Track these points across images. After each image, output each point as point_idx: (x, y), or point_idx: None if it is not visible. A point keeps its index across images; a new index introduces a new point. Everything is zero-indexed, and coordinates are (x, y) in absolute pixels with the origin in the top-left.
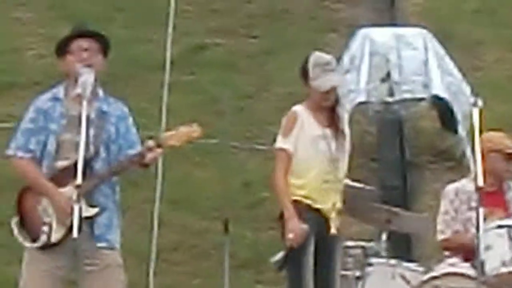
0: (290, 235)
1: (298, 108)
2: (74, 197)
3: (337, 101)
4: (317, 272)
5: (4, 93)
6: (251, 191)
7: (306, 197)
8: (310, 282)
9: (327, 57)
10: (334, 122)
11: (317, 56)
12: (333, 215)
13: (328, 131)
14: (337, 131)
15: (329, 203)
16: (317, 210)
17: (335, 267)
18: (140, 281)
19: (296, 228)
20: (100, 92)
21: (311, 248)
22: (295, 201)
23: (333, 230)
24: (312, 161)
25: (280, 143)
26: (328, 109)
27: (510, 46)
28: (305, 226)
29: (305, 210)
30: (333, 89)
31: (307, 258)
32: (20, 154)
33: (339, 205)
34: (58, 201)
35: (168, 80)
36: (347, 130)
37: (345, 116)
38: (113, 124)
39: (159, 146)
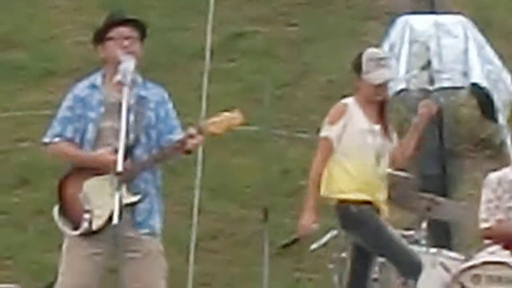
0: (300, 228)
1: (348, 101)
2: (115, 183)
3: (387, 99)
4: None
5: (43, 81)
6: (290, 179)
7: (353, 191)
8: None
9: (382, 52)
10: (383, 119)
11: (372, 50)
12: (382, 207)
13: (376, 127)
14: (385, 128)
15: (378, 196)
16: (368, 202)
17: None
18: (179, 268)
19: (306, 223)
20: (139, 79)
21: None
22: (346, 199)
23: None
24: (357, 153)
25: (324, 131)
26: (377, 106)
27: None
28: (315, 226)
29: (359, 202)
30: (385, 84)
31: (390, 228)
32: (57, 141)
33: (385, 201)
34: (104, 156)
35: (208, 68)
36: (392, 128)
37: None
38: (152, 109)
39: (200, 132)
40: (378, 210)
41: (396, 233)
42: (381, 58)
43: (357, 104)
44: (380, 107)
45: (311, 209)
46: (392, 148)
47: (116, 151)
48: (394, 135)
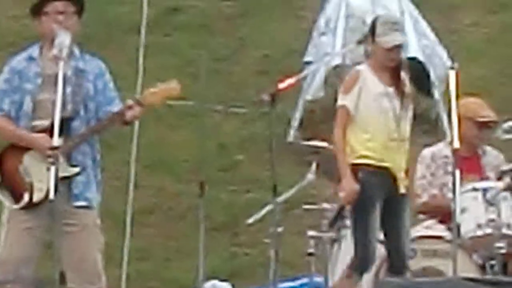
0: (341, 194)
1: (361, 67)
2: (53, 157)
3: (401, 63)
4: (387, 232)
5: None
6: (226, 153)
7: (371, 156)
8: (374, 243)
9: (397, 17)
10: (398, 83)
11: (387, 14)
12: (401, 174)
13: (391, 90)
14: (401, 92)
15: (396, 161)
16: (385, 168)
17: (405, 226)
18: (115, 243)
19: (348, 186)
20: (76, 51)
21: (377, 209)
22: (359, 163)
23: (402, 190)
24: (375, 118)
25: (340, 100)
26: (392, 70)
27: (486, 9)
28: (357, 186)
29: (371, 172)
30: (397, 49)
31: (374, 218)
32: None
33: (405, 164)
34: (39, 141)
35: (144, 42)
36: (409, 91)
37: (407, 78)
38: (90, 81)
39: (139, 104)
40: (395, 179)
41: (375, 223)
42: (395, 22)
43: (371, 69)
44: (395, 70)
45: (348, 175)
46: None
47: (51, 126)
48: (411, 100)
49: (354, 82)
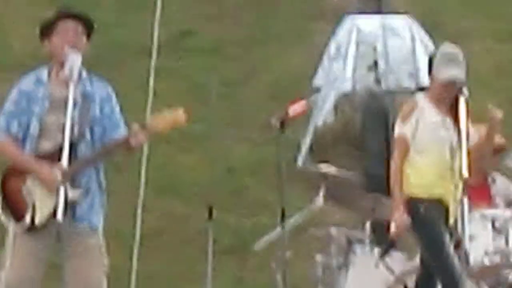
0: (392, 226)
1: (418, 96)
2: (59, 180)
3: (460, 93)
4: None
5: None
6: (235, 177)
7: (425, 186)
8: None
9: (457, 50)
10: (455, 114)
11: (446, 46)
12: (453, 205)
13: (448, 120)
14: (456, 125)
15: (449, 191)
16: (438, 200)
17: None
18: (123, 265)
19: (400, 220)
20: (84, 74)
21: (446, 236)
22: (414, 197)
23: (451, 221)
24: (432, 147)
25: (398, 129)
26: (448, 100)
27: (497, 37)
28: (408, 220)
29: (429, 205)
30: (453, 83)
31: (447, 245)
32: (1, 136)
33: (458, 196)
34: (45, 176)
35: (154, 66)
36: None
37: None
38: (97, 104)
39: (144, 130)
40: (447, 210)
41: (449, 246)
42: (453, 55)
43: (427, 99)
44: (454, 100)
45: (401, 208)
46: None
47: (59, 148)
48: (471, 130)
49: (412, 110)
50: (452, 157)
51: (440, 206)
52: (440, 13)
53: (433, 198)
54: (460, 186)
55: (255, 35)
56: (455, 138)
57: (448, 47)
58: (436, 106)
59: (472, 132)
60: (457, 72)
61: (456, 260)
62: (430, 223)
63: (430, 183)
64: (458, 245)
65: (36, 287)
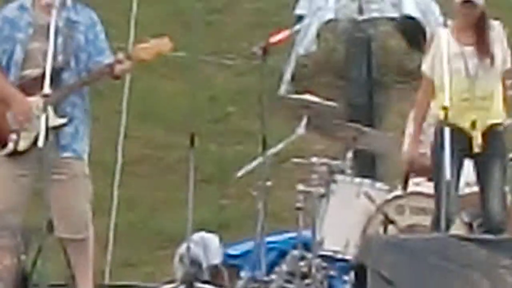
0: (404, 159)
1: (440, 28)
2: (41, 106)
3: (484, 21)
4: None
5: None
6: (217, 105)
7: (449, 116)
8: (453, 199)
9: None
10: (480, 41)
11: None
12: (474, 133)
13: (467, 49)
14: (482, 51)
15: (468, 121)
16: (459, 129)
17: (492, 186)
18: (104, 192)
19: (408, 154)
20: (68, 1)
21: (450, 165)
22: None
23: (476, 149)
24: (448, 78)
25: (422, 63)
26: (474, 28)
27: None
28: (417, 156)
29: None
30: (469, 4)
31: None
32: None
33: (480, 123)
34: (22, 108)
35: None
36: (496, 51)
37: (500, 34)
38: (82, 32)
39: (129, 58)
40: (470, 138)
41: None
42: None
43: (452, 29)
44: (478, 29)
45: (412, 143)
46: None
47: (43, 74)
48: (507, 56)
49: (429, 44)
50: (472, 84)
51: (460, 135)
52: None
53: (456, 127)
54: (488, 111)
55: None
56: (474, 66)
57: None
58: (458, 36)
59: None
60: None
61: (453, 192)
62: (438, 152)
63: (449, 115)
64: None
65: (20, 213)
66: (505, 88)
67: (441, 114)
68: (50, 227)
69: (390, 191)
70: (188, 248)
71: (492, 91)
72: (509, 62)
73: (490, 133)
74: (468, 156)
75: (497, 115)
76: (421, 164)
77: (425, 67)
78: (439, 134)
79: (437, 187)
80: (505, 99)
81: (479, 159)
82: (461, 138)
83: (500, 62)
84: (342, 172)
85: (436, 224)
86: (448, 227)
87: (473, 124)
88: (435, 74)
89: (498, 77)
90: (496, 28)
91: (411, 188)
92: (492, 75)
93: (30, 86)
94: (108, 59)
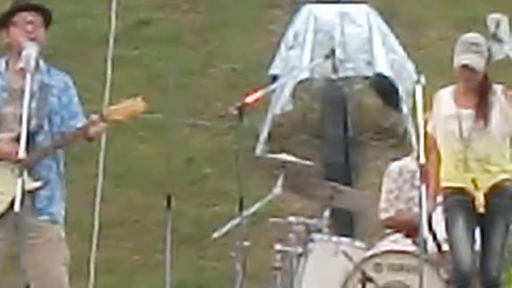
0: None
1: (443, 89)
2: (16, 171)
3: (487, 87)
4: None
5: None
6: (194, 166)
7: (445, 178)
8: (466, 257)
9: (477, 38)
10: (479, 105)
11: (469, 34)
12: (479, 194)
13: (464, 112)
14: (479, 114)
15: (468, 181)
16: (460, 188)
17: (492, 245)
18: (82, 255)
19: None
20: (42, 65)
21: (461, 225)
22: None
23: (480, 209)
24: (445, 139)
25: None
26: (475, 91)
27: (453, 24)
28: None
29: (449, 193)
30: (469, 69)
31: (459, 235)
32: None
33: (481, 184)
34: (5, 152)
35: (112, 55)
36: (500, 114)
37: (500, 97)
38: (55, 95)
39: (103, 120)
40: (473, 199)
41: (462, 239)
42: (473, 43)
43: (452, 90)
44: (479, 93)
45: (430, 198)
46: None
47: (17, 138)
48: (509, 117)
49: (432, 106)
50: (467, 146)
51: (462, 195)
52: (397, 1)
53: (456, 188)
54: (487, 172)
55: (212, 23)
56: (468, 129)
57: (466, 37)
58: (457, 98)
59: None
60: (469, 58)
61: (465, 247)
62: (448, 212)
63: (449, 175)
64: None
65: None
66: None
67: (423, 167)
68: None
69: (367, 249)
70: None
71: (489, 154)
72: None
73: (494, 192)
74: (477, 215)
75: (499, 174)
76: (399, 220)
77: (429, 127)
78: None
79: (452, 247)
80: None
81: (484, 221)
82: (464, 198)
83: (496, 126)
84: (320, 231)
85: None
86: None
87: (475, 184)
88: (437, 135)
89: (496, 140)
90: (498, 92)
91: (388, 246)
92: (489, 138)
93: (5, 149)
94: (81, 122)
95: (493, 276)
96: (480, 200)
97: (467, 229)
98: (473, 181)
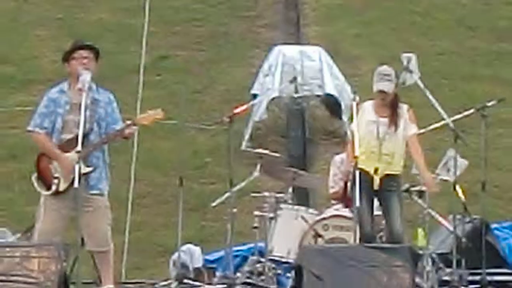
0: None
1: (366, 102)
2: (75, 159)
3: (395, 102)
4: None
5: (28, 86)
6: (198, 157)
7: (361, 162)
8: (368, 221)
9: (388, 69)
10: (392, 116)
11: (382, 67)
12: (375, 177)
13: (381, 119)
14: (392, 123)
15: (372, 168)
16: (366, 172)
17: (390, 211)
18: (121, 218)
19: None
20: (93, 86)
21: (366, 198)
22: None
23: (375, 187)
24: (363, 138)
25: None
26: (388, 106)
27: (378, 60)
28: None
29: (362, 173)
30: (383, 92)
31: (364, 204)
32: (37, 130)
33: (381, 170)
34: (63, 163)
35: (142, 80)
36: (404, 124)
37: (405, 113)
38: (102, 107)
39: (134, 124)
40: (372, 180)
41: (366, 208)
42: (385, 74)
43: (372, 103)
44: (392, 108)
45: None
46: (409, 135)
47: (76, 137)
48: (408, 127)
49: (357, 112)
50: (380, 144)
51: (366, 177)
52: (339, 44)
53: (365, 171)
54: (389, 163)
55: (212, 58)
56: (382, 133)
57: (380, 69)
58: (376, 109)
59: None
60: (383, 85)
61: (366, 215)
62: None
63: (362, 162)
64: None
65: (59, 235)
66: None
67: (353, 161)
68: (82, 243)
69: (318, 214)
70: (179, 255)
71: (394, 152)
72: (411, 131)
73: (389, 178)
74: (376, 191)
75: (396, 167)
76: (341, 194)
77: (353, 128)
78: (353, 174)
79: (358, 214)
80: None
81: (381, 195)
82: (367, 179)
83: (401, 132)
84: (285, 202)
85: (360, 238)
86: (370, 241)
87: (376, 171)
88: (359, 133)
89: (400, 142)
90: (404, 109)
91: (332, 212)
92: (396, 140)
93: (67, 146)
94: (119, 126)
95: (398, 235)
96: (376, 182)
97: (367, 201)
98: (376, 169)
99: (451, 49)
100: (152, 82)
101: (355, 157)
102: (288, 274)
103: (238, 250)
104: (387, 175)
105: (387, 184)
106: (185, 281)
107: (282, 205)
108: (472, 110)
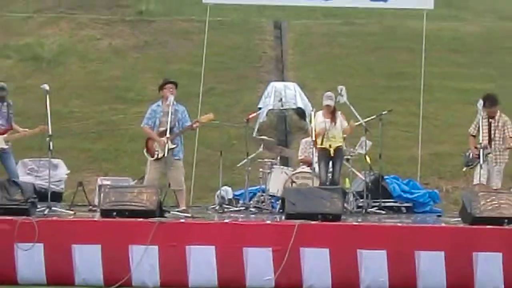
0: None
1: (319, 111)
2: (166, 141)
3: (334, 111)
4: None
5: (138, 104)
6: (230, 141)
7: (320, 144)
8: (325, 176)
9: (330, 93)
10: (332, 118)
11: (327, 92)
12: (330, 149)
13: (327, 120)
14: (333, 122)
15: (327, 145)
16: (324, 148)
17: (336, 170)
18: (188, 173)
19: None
20: (175, 102)
21: (324, 163)
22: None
23: (331, 155)
24: (320, 131)
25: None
26: (330, 113)
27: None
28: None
29: (320, 149)
30: (329, 107)
31: (323, 166)
32: (147, 126)
33: (332, 145)
34: (159, 143)
35: (201, 99)
36: (340, 122)
37: (340, 116)
38: (179, 113)
39: (198, 121)
40: (329, 152)
41: (324, 168)
42: (328, 96)
43: (321, 112)
44: (332, 114)
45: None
46: (344, 128)
47: (166, 130)
48: (343, 123)
49: (314, 117)
50: (328, 134)
51: (324, 151)
52: (305, 81)
53: (323, 147)
54: (334, 141)
55: (237, 89)
56: (329, 127)
57: (326, 94)
58: (325, 115)
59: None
60: (328, 102)
61: (324, 172)
62: (319, 157)
63: (320, 143)
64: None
65: (158, 181)
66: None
67: (313, 142)
68: (169, 185)
69: (293, 171)
70: (220, 192)
71: (335, 135)
72: (344, 125)
73: (338, 149)
74: (329, 158)
75: (337, 143)
76: (304, 159)
77: (312, 124)
78: (320, 150)
79: (319, 171)
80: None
81: (333, 159)
82: (326, 152)
83: (339, 126)
84: (276, 164)
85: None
86: (323, 185)
87: (330, 146)
88: (317, 128)
89: (339, 130)
90: (339, 114)
91: (301, 169)
92: (336, 130)
93: (162, 134)
94: (189, 123)
95: (336, 181)
96: (331, 153)
97: (325, 164)
98: (330, 145)
99: (362, 86)
100: (206, 102)
101: (314, 141)
102: (278, 203)
103: (251, 190)
104: (337, 147)
105: (337, 153)
106: (224, 205)
107: (274, 166)
108: (374, 116)
